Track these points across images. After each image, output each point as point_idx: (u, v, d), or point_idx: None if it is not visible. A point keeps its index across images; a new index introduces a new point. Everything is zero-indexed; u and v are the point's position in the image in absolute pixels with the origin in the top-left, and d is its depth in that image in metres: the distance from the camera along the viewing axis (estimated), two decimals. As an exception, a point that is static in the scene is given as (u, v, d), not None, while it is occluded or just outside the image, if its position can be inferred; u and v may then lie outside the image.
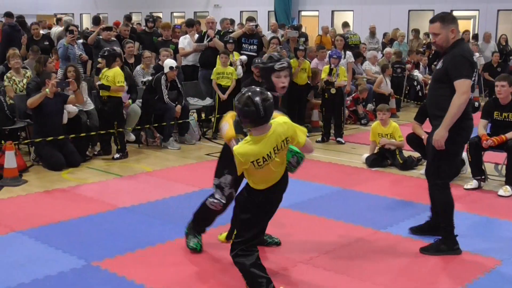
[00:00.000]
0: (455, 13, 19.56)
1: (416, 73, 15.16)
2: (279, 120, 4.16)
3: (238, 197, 4.59)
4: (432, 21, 5.25)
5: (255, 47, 11.40)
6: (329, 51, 11.28)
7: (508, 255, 5.30)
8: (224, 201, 5.06)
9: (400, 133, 8.59)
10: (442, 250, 5.30)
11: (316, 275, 4.89)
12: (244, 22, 15.61)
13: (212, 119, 10.93)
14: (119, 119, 9.06)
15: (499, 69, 15.62)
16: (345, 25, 16.88)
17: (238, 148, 4.06)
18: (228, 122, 4.56)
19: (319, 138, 10.52)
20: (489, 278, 4.86)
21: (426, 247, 5.36)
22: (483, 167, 7.62)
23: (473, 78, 5.09)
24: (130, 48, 11.13)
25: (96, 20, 13.22)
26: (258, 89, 4.02)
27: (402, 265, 5.13)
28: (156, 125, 9.91)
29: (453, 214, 5.31)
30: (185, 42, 11.76)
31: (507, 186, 7.20)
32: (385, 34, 18.29)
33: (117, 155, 8.98)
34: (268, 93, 4.07)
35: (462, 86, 4.99)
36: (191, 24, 12.64)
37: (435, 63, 5.35)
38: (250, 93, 3.96)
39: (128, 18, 15.47)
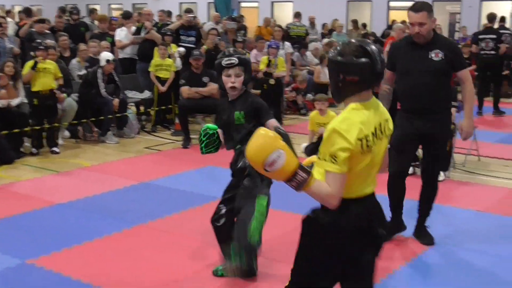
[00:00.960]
0: (394, 4, 20.17)
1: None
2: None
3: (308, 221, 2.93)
4: (417, 10, 4.93)
5: (193, 39, 11.35)
6: (268, 42, 11.35)
7: (440, 237, 5.46)
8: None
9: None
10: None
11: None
12: (182, 14, 15.52)
13: (151, 112, 10.87)
14: (52, 113, 8.94)
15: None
16: (297, 15, 17.01)
17: (335, 123, 2.73)
18: (281, 149, 2.64)
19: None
20: (422, 259, 5.04)
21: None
22: (416, 153, 7.80)
23: None
24: (64, 41, 10.93)
25: (28, 12, 12.93)
26: (371, 41, 2.94)
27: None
28: (94, 119, 9.80)
29: None
30: (122, 34, 11.62)
31: (440, 171, 7.39)
32: (324, 25, 18.50)
33: (55, 149, 8.88)
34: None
35: (468, 74, 5.12)
36: (127, 16, 12.52)
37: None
38: (358, 42, 2.87)
39: (63, 10, 15.17)
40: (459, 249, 5.25)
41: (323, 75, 13.15)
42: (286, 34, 13.99)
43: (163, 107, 10.70)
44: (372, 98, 2.87)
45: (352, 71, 2.77)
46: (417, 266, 4.91)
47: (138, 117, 10.88)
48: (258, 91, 11.44)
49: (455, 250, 5.23)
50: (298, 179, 2.66)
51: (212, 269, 4.78)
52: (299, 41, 14.72)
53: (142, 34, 11.27)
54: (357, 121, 2.73)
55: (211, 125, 4.20)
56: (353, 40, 2.91)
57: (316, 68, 13.30)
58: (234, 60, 4.30)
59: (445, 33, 19.27)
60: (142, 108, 11.27)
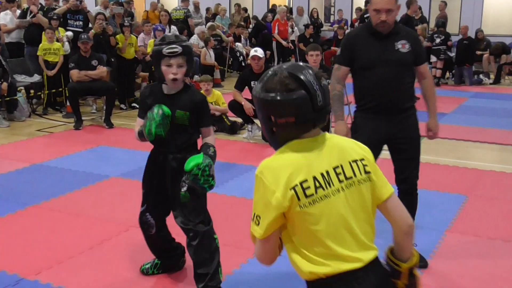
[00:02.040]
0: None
1: (238, 45, 15.53)
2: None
3: None
4: None
5: (80, 23, 11.03)
6: (154, 26, 11.23)
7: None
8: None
9: (223, 99, 8.80)
10: None
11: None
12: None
13: (42, 95, 10.51)
14: None
15: (311, 40, 16.38)
16: (183, 0, 16.87)
17: (262, 163, 2.13)
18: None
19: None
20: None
21: None
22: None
23: None
24: None
25: None
26: (305, 65, 2.19)
27: (227, 221, 5.29)
28: (-18, 103, 9.36)
29: None
30: (7, 18, 11.07)
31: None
32: (208, 9, 18.47)
33: None
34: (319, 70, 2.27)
35: (428, 69, 4.45)
36: (12, 0, 11.94)
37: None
38: (287, 70, 2.09)
39: None
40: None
41: (209, 57, 13.18)
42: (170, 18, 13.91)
43: (54, 90, 10.37)
44: (320, 135, 2.14)
45: (285, 111, 2.05)
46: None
47: (28, 101, 10.49)
48: (147, 74, 11.35)
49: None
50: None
51: (107, 243, 4.74)
52: (186, 25, 14.70)
53: (28, 18, 10.82)
54: (290, 161, 2.05)
55: (165, 107, 3.53)
56: (282, 67, 2.12)
57: (202, 51, 13.28)
58: (178, 48, 3.52)
59: (321, 16, 19.74)
60: (32, 92, 10.85)
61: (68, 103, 9.91)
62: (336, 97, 4.29)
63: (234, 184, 6.22)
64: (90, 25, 11.07)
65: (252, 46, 15.83)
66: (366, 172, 2.12)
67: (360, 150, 2.19)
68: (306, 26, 17.19)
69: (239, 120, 8.74)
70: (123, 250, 4.68)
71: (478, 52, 14.97)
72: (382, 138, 4.16)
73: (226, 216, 5.35)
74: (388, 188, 2.18)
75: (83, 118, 9.37)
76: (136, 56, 11.15)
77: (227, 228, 5.04)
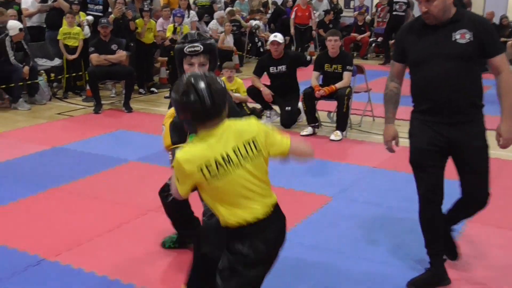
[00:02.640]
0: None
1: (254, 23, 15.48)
2: (239, 119, 2.80)
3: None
4: None
5: (100, 7, 11.03)
6: (173, 10, 11.19)
7: (338, 192, 5.64)
8: None
9: (244, 88, 8.71)
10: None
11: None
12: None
13: (62, 79, 10.53)
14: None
15: (331, 26, 16.22)
16: None
17: (178, 154, 2.67)
18: (165, 125, 3.28)
19: (168, 94, 10.46)
20: (322, 212, 5.15)
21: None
22: (316, 115, 7.97)
23: None
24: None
25: None
26: (201, 73, 2.77)
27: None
28: (4, 86, 9.39)
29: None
30: (29, 2, 11.09)
31: (338, 131, 7.59)
32: (227, -6, 18.38)
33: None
34: (217, 77, 2.74)
35: (506, 62, 3.58)
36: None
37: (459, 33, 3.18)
38: (190, 78, 2.69)
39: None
40: (355, 202, 5.41)
41: (226, 42, 13.11)
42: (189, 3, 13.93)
43: (74, 74, 10.40)
44: (220, 124, 2.69)
45: (183, 110, 2.67)
46: (317, 219, 5.03)
47: (49, 84, 10.52)
48: (165, 59, 11.31)
49: (352, 203, 5.39)
50: (171, 157, 2.98)
51: (125, 226, 4.75)
52: (209, 11, 14.68)
53: (49, 2, 10.83)
54: (197, 152, 2.64)
55: None
56: (187, 76, 2.71)
57: (221, 36, 13.21)
58: (199, 47, 3.54)
59: (341, 1, 19.55)
60: (52, 75, 10.88)
61: (87, 87, 9.93)
62: (387, 97, 3.95)
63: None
64: (109, 10, 11.06)
65: (271, 31, 15.76)
66: (258, 150, 2.74)
67: (251, 130, 2.75)
68: (326, 12, 17.04)
69: (258, 106, 8.69)
70: (141, 233, 4.69)
71: (503, 39, 14.73)
72: (442, 147, 3.62)
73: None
74: (285, 144, 2.87)
75: (102, 102, 9.38)
76: (155, 40, 11.12)
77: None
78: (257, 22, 15.56)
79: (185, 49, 3.54)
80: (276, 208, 2.88)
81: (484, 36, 3.50)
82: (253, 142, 2.74)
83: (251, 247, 2.73)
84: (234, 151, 2.68)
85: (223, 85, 2.72)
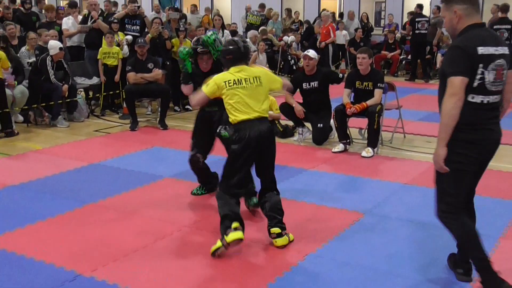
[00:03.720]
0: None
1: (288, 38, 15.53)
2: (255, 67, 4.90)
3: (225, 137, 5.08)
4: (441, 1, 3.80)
5: (137, 27, 11.16)
6: (208, 30, 11.22)
7: (370, 208, 5.54)
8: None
9: (277, 105, 8.67)
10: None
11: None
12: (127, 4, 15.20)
13: (100, 97, 10.64)
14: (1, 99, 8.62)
15: (362, 44, 16.17)
16: (262, 6, 16.97)
17: (217, 76, 4.67)
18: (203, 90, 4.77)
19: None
20: (354, 229, 5.06)
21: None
22: (348, 132, 7.89)
23: (478, 76, 3.56)
24: (11, 30, 10.55)
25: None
26: (240, 39, 4.74)
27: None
28: (44, 104, 9.52)
29: (478, 244, 3.74)
30: (69, 23, 11.28)
31: (369, 148, 7.50)
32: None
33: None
34: (246, 40, 4.83)
35: (451, 84, 3.53)
36: (74, 5, 12.14)
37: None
38: (233, 38, 4.90)
39: (12, 0, 14.58)
40: (388, 219, 5.31)
41: (259, 60, 13.11)
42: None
43: (111, 92, 10.50)
44: (243, 66, 4.67)
45: (229, 53, 4.69)
46: (349, 236, 4.94)
47: (87, 102, 10.65)
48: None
49: (384, 220, 5.29)
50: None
51: (160, 242, 4.73)
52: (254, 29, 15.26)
53: (89, 23, 10.98)
54: (225, 75, 4.65)
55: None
56: (232, 38, 4.94)
57: (253, 54, 13.23)
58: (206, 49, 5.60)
59: (371, 20, 19.48)
60: (91, 93, 11.01)
61: (124, 105, 10.00)
62: (455, 116, 3.56)
63: (285, 186, 6.10)
64: (146, 30, 11.17)
65: (304, 49, 15.76)
66: (260, 82, 4.65)
67: (258, 71, 4.73)
68: (357, 30, 17.00)
69: (291, 124, 8.64)
70: (176, 249, 4.66)
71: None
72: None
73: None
74: (278, 80, 4.89)
75: (138, 119, 9.44)
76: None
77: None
78: (290, 38, 15.56)
79: (198, 49, 5.61)
80: (262, 118, 4.64)
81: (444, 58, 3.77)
82: (258, 77, 4.66)
83: (239, 134, 4.57)
84: (244, 79, 4.61)
85: (249, 45, 4.94)
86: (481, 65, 3.54)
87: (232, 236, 4.38)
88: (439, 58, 15.60)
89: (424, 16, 15.29)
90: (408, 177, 6.58)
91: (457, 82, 3.50)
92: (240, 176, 4.63)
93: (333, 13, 18.23)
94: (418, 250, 4.63)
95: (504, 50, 3.65)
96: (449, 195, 3.74)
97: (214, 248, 4.45)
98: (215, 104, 5.27)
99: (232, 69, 4.63)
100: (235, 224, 4.43)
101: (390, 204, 5.73)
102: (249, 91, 4.57)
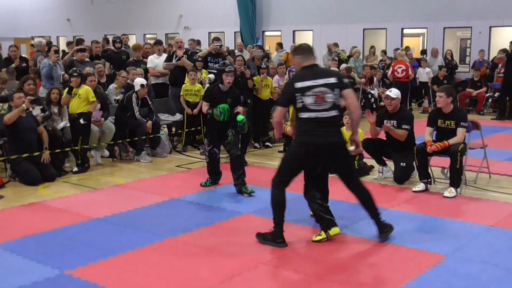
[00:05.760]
0: (406, 31, 20.07)
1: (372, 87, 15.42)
2: None
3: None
4: None
5: (220, 65, 11.39)
6: (289, 68, 11.36)
7: (452, 251, 5.37)
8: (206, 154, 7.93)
9: (363, 137, 8.54)
10: (267, 239, 5.57)
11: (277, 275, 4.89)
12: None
13: (182, 133, 10.90)
14: (86, 134, 9.03)
15: (445, 82, 15.87)
16: (336, 45, 17.21)
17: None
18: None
19: (281, 148, 10.56)
20: (435, 272, 4.91)
21: (260, 233, 5.69)
22: (429, 171, 7.72)
23: (299, 103, 5.31)
24: (99, 68, 11.05)
25: (78, 42, 13.19)
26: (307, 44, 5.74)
27: (354, 261, 5.17)
28: (129, 140, 9.86)
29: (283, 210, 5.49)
30: (155, 61, 11.69)
31: (452, 188, 7.30)
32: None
33: (75, 169, 8.90)
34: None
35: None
36: (159, 42, 12.59)
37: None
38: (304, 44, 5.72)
39: (107, 40, 15.29)
40: (471, 262, 5.13)
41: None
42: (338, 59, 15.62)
43: (193, 129, 10.73)
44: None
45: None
46: (429, 278, 4.80)
47: (170, 138, 10.93)
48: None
49: (467, 263, 5.11)
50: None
51: (237, 278, 4.75)
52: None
53: (174, 61, 11.33)
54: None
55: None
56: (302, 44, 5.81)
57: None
58: (232, 68, 7.70)
59: (456, 57, 19.13)
60: (173, 130, 11.30)
61: (205, 141, 10.18)
62: None
63: (363, 225, 6.04)
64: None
65: (386, 87, 15.66)
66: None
67: None
68: (441, 68, 16.71)
69: (370, 164, 8.55)
70: (253, 286, 4.66)
71: None
72: None
73: (354, 258, 5.23)
74: None
75: (219, 155, 9.55)
76: (271, 97, 11.30)
77: (355, 270, 4.93)
78: (373, 92, 15.46)
79: (225, 69, 7.49)
80: None
81: None
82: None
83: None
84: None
85: None
86: (298, 94, 5.32)
87: (334, 230, 5.59)
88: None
89: None
90: (493, 219, 6.34)
91: (278, 110, 5.53)
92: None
93: (407, 47, 18.04)
94: (503, 296, 4.45)
95: (327, 80, 5.32)
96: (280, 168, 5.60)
97: (319, 237, 5.57)
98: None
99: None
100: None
101: (473, 247, 5.53)
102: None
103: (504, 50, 15.48)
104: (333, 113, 5.36)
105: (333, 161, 5.59)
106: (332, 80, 5.35)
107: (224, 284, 4.71)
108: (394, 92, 8.06)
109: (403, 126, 7.88)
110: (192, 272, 4.96)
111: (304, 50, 5.53)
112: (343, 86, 5.40)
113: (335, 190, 6.16)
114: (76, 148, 8.86)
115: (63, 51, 16.37)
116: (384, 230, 5.64)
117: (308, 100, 5.27)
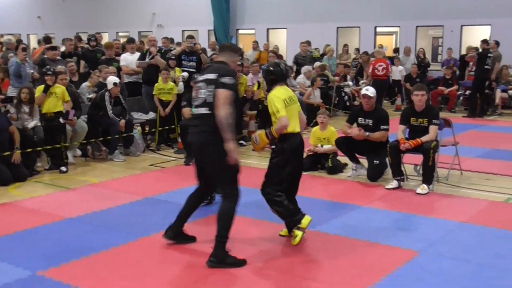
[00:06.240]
0: (379, 30, 20.22)
1: (347, 84, 15.49)
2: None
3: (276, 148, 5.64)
4: None
5: (194, 63, 11.36)
6: (262, 66, 11.36)
7: (424, 247, 5.44)
8: None
9: (336, 136, 8.60)
10: (230, 263, 5.03)
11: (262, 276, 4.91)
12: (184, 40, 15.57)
13: (155, 132, 10.86)
14: (63, 133, 8.95)
15: (418, 80, 16.05)
16: (308, 43, 17.30)
17: (273, 92, 5.49)
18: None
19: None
20: (408, 268, 4.98)
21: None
22: (402, 168, 7.80)
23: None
24: (71, 66, 10.95)
25: (47, 40, 13.02)
26: (282, 61, 6.23)
27: (327, 259, 5.20)
28: (102, 139, 9.78)
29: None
30: (128, 59, 11.62)
31: (424, 185, 7.39)
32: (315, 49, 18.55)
33: (64, 168, 8.82)
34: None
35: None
36: (131, 40, 12.52)
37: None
38: (276, 61, 6.06)
39: (79, 38, 15.14)
40: (443, 258, 5.20)
41: (313, 96, 13.11)
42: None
43: (167, 127, 10.70)
44: (284, 85, 5.65)
45: (272, 74, 5.63)
46: (402, 274, 4.86)
47: (143, 137, 10.88)
48: (254, 112, 11.48)
49: (439, 259, 5.18)
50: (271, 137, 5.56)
51: (212, 277, 4.75)
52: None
53: (147, 60, 11.27)
54: (280, 93, 5.48)
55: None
56: (276, 61, 6.20)
57: (308, 90, 13.28)
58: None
59: (428, 55, 19.33)
60: (147, 128, 11.25)
61: (179, 140, 10.17)
62: None
63: (337, 223, 6.09)
64: (203, 66, 11.36)
65: (357, 85, 15.79)
66: (294, 101, 5.59)
67: (291, 93, 5.70)
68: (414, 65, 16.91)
69: (343, 161, 8.62)
70: (227, 284, 4.66)
71: None
72: None
73: (328, 255, 5.26)
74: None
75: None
76: (245, 95, 11.31)
77: (330, 267, 4.95)
78: (348, 82, 15.59)
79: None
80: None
81: None
82: (290, 97, 5.55)
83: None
84: (289, 98, 5.52)
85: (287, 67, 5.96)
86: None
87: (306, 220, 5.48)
88: (498, 93, 15.32)
89: (491, 52, 14.97)
90: (465, 215, 6.44)
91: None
92: None
93: (380, 46, 18.19)
94: (475, 291, 4.52)
95: (209, 76, 5.07)
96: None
97: (298, 239, 5.40)
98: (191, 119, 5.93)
99: (278, 87, 5.54)
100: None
101: (445, 243, 5.61)
102: (293, 107, 5.55)
103: (475, 49, 15.71)
104: (203, 110, 5.04)
105: (200, 163, 5.60)
106: (212, 76, 5.03)
107: (199, 283, 4.71)
108: (371, 91, 8.11)
109: (382, 127, 7.94)
110: (167, 271, 4.95)
111: (221, 47, 5.84)
112: (218, 85, 4.95)
113: (311, 188, 6.20)
114: (59, 146, 8.79)
115: (34, 49, 16.16)
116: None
117: (193, 94, 5.31)
